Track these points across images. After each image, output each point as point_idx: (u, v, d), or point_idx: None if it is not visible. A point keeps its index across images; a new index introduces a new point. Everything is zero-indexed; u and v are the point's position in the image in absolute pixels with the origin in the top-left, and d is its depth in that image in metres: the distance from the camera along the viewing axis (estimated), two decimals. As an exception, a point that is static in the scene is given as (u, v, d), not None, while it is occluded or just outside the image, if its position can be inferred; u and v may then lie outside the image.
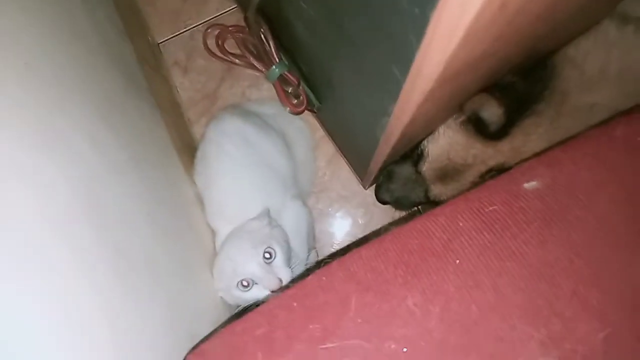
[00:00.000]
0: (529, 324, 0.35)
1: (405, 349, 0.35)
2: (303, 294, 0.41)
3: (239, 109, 1.00)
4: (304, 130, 1.07)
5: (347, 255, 0.43)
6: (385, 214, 1.07)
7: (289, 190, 0.92)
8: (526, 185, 0.41)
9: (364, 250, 0.43)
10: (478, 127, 0.61)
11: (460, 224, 0.40)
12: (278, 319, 0.40)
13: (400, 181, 0.75)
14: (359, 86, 0.58)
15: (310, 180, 1.06)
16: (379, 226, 1.08)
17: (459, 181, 0.65)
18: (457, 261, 0.38)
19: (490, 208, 0.40)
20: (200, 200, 0.89)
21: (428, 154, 0.67)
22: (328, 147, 1.09)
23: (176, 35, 1.13)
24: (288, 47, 0.90)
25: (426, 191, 0.71)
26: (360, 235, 1.07)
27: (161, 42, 1.13)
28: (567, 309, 0.35)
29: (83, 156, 0.54)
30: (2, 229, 0.35)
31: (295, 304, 0.40)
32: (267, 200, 0.85)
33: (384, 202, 0.80)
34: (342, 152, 1.05)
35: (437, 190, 0.69)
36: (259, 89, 1.10)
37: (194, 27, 1.13)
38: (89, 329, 0.39)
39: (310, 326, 0.38)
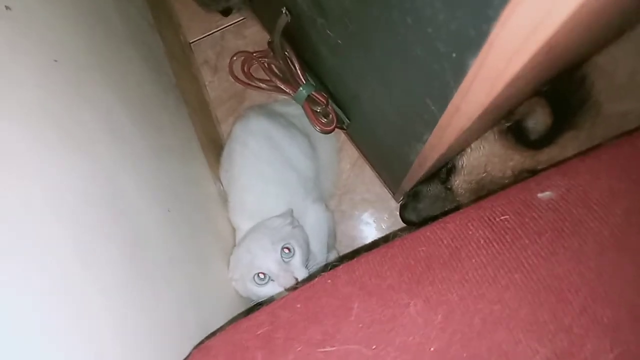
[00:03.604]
0: (534, 339, 0.33)
1: (405, 358, 0.35)
2: (307, 295, 0.41)
3: (265, 109, 1.01)
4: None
5: (354, 260, 0.43)
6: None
7: (312, 192, 0.93)
8: (540, 195, 0.39)
9: (370, 255, 0.42)
10: (518, 136, 0.59)
11: (470, 233, 0.39)
12: (280, 320, 0.40)
13: (428, 200, 0.73)
14: (391, 111, 0.57)
15: (333, 182, 1.06)
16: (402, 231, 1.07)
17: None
18: (464, 271, 0.37)
19: (502, 217, 0.39)
20: (224, 198, 0.91)
21: (462, 167, 0.65)
22: (352, 150, 1.08)
23: (207, 35, 1.15)
24: (314, 66, 0.90)
25: (457, 208, 0.69)
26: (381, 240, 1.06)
27: (193, 42, 1.15)
28: (576, 325, 0.33)
29: (104, 143, 0.55)
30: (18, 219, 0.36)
31: (298, 306, 0.40)
32: (289, 200, 0.86)
33: (410, 223, 0.78)
34: (372, 167, 1.04)
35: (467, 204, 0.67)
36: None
37: (225, 27, 1.15)
38: (101, 315, 0.40)
39: (311, 329, 0.38)
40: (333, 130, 0.87)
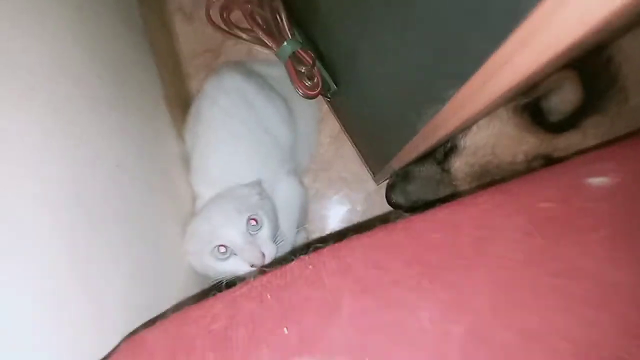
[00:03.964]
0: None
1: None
2: (281, 284, 0.31)
3: (243, 66, 0.91)
4: (310, 101, 0.96)
5: (344, 242, 0.33)
6: (385, 205, 0.97)
7: (286, 163, 0.84)
8: (591, 180, 0.31)
9: (366, 239, 0.32)
10: (536, 115, 0.51)
11: (498, 221, 0.30)
12: (242, 313, 0.30)
13: (420, 182, 0.64)
14: (404, 67, 0.47)
15: (310, 155, 0.97)
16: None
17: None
18: (491, 269, 0.28)
19: (543, 205, 0.30)
20: (186, 160, 0.79)
21: (465, 148, 0.56)
22: (334, 124, 0.99)
23: (184, -24, 1.02)
24: (303, 21, 0.80)
25: (454, 194, 0.60)
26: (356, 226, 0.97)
27: (166, -18, 1.02)
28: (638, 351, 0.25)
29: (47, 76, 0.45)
30: None
31: (268, 296, 0.30)
32: (260, 169, 0.77)
33: (396, 206, 0.69)
34: (355, 143, 0.94)
35: (469, 191, 0.58)
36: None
37: (204, -31, 1.01)
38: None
39: (284, 329, 0.28)
40: (317, 95, 0.76)
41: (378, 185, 0.95)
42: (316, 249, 0.33)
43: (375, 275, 0.29)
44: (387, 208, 0.97)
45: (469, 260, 0.29)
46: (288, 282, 0.31)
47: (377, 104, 0.62)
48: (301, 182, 0.87)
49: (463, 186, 0.58)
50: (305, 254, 0.33)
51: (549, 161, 0.50)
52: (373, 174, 0.91)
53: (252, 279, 0.32)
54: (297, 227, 0.81)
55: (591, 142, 0.50)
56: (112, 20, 0.71)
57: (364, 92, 0.66)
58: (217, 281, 0.65)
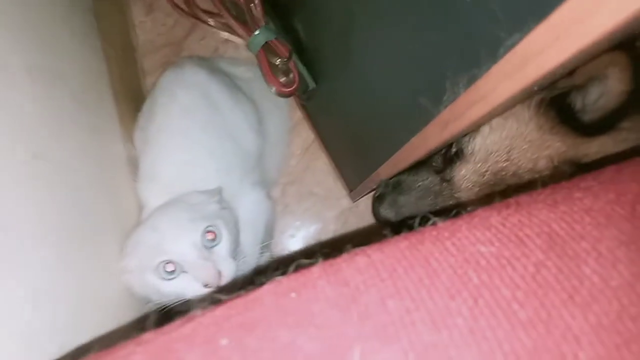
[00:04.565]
0: None
1: None
2: (245, 321, 0.20)
3: (208, 62, 0.81)
4: (283, 106, 0.87)
5: (350, 257, 0.23)
6: (362, 222, 0.88)
7: (252, 173, 0.74)
8: None
9: (382, 252, 0.22)
10: (564, 113, 0.42)
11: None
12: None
13: (415, 193, 0.54)
14: (410, 52, 0.38)
15: (279, 167, 0.87)
16: (351, 238, 0.88)
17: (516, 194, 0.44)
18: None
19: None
20: (133, 166, 0.67)
21: (473, 153, 0.47)
22: (307, 133, 0.89)
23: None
24: (280, 8, 0.71)
25: (458, 206, 0.50)
26: (329, 243, 0.87)
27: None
28: None
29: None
30: None
31: (223, 342, 0.19)
32: (221, 177, 0.66)
33: (384, 222, 0.58)
34: (330, 153, 0.84)
35: (476, 203, 0.48)
36: (238, 46, 0.89)
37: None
38: None
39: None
40: (293, 92, 0.66)
41: (354, 202, 0.86)
42: (299, 267, 0.22)
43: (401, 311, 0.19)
44: (365, 228, 0.89)
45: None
46: (256, 318, 0.20)
47: (369, 102, 0.52)
48: (268, 196, 0.76)
49: (468, 197, 0.48)
50: (283, 272, 0.22)
51: (579, 169, 0.41)
52: (350, 189, 0.81)
53: (199, 310, 0.21)
54: (261, 245, 0.70)
55: (622, 147, 0.41)
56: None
57: (352, 89, 0.57)
58: (160, 306, 0.53)
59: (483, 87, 0.28)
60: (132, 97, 0.80)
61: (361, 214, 0.88)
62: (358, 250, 0.23)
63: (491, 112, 0.29)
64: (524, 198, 0.25)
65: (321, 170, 0.89)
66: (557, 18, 0.21)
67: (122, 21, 0.89)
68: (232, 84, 0.77)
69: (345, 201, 0.88)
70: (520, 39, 0.24)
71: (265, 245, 0.74)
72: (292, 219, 0.89)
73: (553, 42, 0.22)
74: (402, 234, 0.25)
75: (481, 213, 0.23)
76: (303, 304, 0.20)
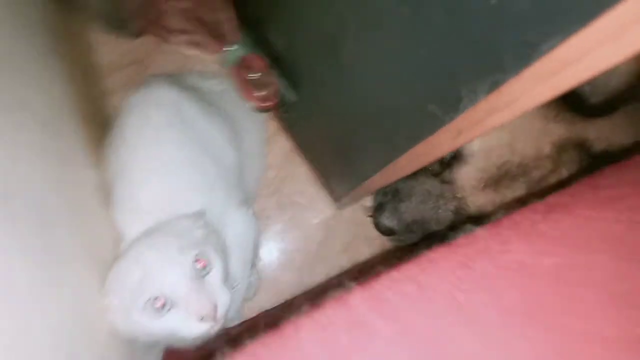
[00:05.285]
0: None
1: None
2: None
3: (175, 79, 0.78)
4: (257, 117, 0.85)
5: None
6: (348, 231, 0.87)
7: (235, 190, 0.71)
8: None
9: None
10: (569, 99, 0.42)
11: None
12: None
13: (416, 198, 0.54)
14: (420, 57, 0.37)
15: (257, 179, 0.86)
16: (338, 245, 0.87)
17: (524, 182, 0.44)
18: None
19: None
20: (107, 191, 0.63)
21: (472, 155, 0.46)
22: (284, 142, 0.87)
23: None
24: (254, 20, 0.68)
25: (458, 207, 0.49)
26: (314, 254, 0.85)
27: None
28: None
29: None
30: None
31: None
32: (203, 199, 0.63)
33: (387, 232, 0.57)
34: (312, 163, 0.82)
35: (482, 199, 0.48)
36: (205, 60, 0.86)
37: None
38: None
39: None
40: (272, 106, 0.64)
41: (342, 209, 0.84)
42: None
43: None
44: (347, 236, 0.87)
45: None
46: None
47: (362, 110, 0.51)
48: (254, 214, 0.73)
49: (472, 196, 0.48)
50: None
51: (582, 149, 0.41)
52: (334, 197, 0.79)
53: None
54: (251, 268, 0.68)
55: (616, 132, 0.42)
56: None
57: (342, 97, 0.55)
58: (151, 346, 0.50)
59: (509, 92, 0.27)
60: (98, 119, 0.76)
61: (347, 223, 0.87)
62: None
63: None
64: (557, 198, 0.24)
65: (301, 179, 0.87)
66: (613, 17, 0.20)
67: (82, 40, 0.84)
68: (203, 99, 0.74)
69: (329, 209, 0.87)
70: (562, 41, 0.23)
71: (252, 266, 0.71)
72: (274, 230, 0.87)
73: (607, 42, 0.20)
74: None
75: (521, 219, 0.22)
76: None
